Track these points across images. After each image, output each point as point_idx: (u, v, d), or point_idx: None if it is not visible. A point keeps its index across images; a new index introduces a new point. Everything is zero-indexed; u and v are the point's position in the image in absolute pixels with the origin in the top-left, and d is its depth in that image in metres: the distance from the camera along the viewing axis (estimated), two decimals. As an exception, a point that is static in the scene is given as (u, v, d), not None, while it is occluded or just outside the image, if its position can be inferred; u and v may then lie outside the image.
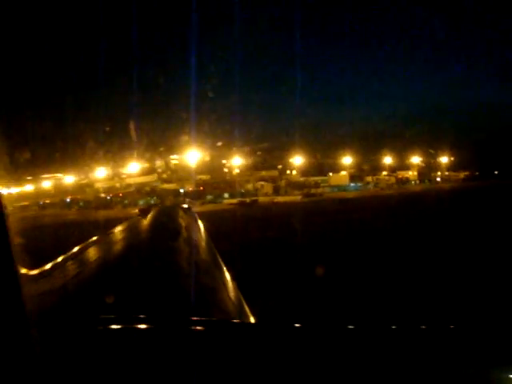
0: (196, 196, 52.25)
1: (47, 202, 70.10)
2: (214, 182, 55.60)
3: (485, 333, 1.40)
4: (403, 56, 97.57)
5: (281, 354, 1.34)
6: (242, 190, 58.15)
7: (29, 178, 72.78)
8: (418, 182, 72.32)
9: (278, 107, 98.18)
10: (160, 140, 56.45)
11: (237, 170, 59.05)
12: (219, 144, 55.15)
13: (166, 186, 58.35)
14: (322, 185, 69.62)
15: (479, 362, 1.20)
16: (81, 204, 60.87)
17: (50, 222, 33.41)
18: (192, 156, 53.76)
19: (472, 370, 1.18)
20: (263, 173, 64.67)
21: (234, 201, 48.23)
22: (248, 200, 48.26)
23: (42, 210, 65.16)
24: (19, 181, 74.97)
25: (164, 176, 59.93)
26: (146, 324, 1.63)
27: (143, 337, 1.52)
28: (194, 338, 1.47)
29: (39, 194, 74.49)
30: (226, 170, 60.03)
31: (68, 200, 65.35)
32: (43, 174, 69.66)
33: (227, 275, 4.02)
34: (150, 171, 62.00)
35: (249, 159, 61.68)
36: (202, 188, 53.70)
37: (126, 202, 58.24)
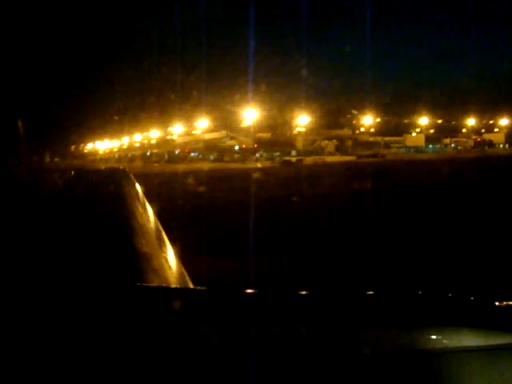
0: (249, 153, 53.28)
1: (135, 154, 76.34)
2: (271, 139, 56.12)
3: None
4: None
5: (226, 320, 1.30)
6: (305, 148, 58.09)
7: (124, 133, 79.33)
8: (506, 145, 66.29)
9: (352, 63, 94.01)
10: (229, 97, 57.71)
11: (298, 129, 58.91)
12: (283, 100, 55.43)
13: (229, 142, 60.07)
14: (396, 146, 66.97)
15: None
16: (155, 158, 65.00)
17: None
18: (252, 113, 54.65)
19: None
20: (332, 131, 63.76)
21: (281, 159, 48.50)
22: (294, 159, 48.25)
23: (130, 162, 71.01)
24: (117, 136, 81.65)
25: (230, 133, 61.52)
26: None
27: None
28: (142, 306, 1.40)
29: (131, 148, 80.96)
30: (292, 127, 60.10)
31: (148, 154, 70.79)
32: (134, 130, 75.48)
33: (167, 241, 3.95)
34: (220, 128, 63.94)
35: (317, 117, 61.16)
36: (256, 145, 54.58)
37: (193, 156, 61.26)
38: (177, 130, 68.71)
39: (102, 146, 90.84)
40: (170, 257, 3.54)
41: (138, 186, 6.64)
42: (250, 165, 45.24)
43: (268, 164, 45.46)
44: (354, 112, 63.63)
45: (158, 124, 69.86)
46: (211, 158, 59.03)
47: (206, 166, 45.79)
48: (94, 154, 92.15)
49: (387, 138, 65.49)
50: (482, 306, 1.39)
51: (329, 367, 1.17)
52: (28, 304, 1.41)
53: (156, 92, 65.36)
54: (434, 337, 1.21)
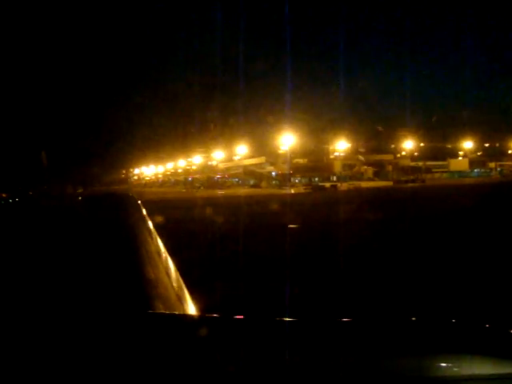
0: (284, 179, 53.38)
1: (178, 179, 78.38)
2: (308, 165, 56.15)
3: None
4: None
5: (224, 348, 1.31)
6: (345, 174, 57.67)
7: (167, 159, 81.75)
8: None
9: (394, 87, 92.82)
10: (268, 123, 58.47)
11: (337, 154, 58.65)
12: (322, 126, 55.65)
13: (268, 168, 60.52)
14: (440, 170, 65.38)
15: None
16: (196, 183, 66.30)
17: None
18: (290, 139, 55.06)
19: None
20: (372, 156, 63.11)
21: (320, 185, 48.35)
22: (328, 185, 48.00)
23: (172, 186, 72.87)
24: (161, 162, 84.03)
25: (269, 159, 62.00)
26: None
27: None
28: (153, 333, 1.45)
29: (174, 173, 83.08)
30: (331, 153, 59.94)
31: (190, 179, 72.49)
32: (178, 156, 77.77)
33: (171, 264, 3.87)
34: (259, 154, 64.58)
35: (357, 143, 60.79)
36: (291, 172, 54.68)
37: (232, 182, 62.12)
38: (218, 156, 70.14)
39: (149, 172, 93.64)
40: (175, 282, 3.45)
41: (144, 212, 6.92)
42: (284, 191, 45.51)
43: (302, 190, 45.51)
44: (396, 136, 62.73)
45: (200, 150, 71.61)
46: (251, 183, 59.68)
47: (242, 191, 46.33)
48: (140, 179, 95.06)
49: (430, 163, 64.09)
50: (495, 334, 1.35)
51: None
52: (37, 329, 1.45)
53: (198, 119, 67.12)
54: (444, 364, 1.20)
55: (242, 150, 65.05)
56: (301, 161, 58.12)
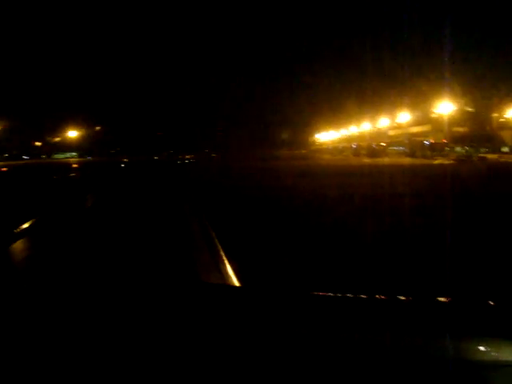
0: (436, 149, 51.70)
1: (346, 146, 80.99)
2: (466, 134, 53.14)
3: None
4: None
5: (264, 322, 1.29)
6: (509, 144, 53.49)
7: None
8: None
9: None
10: (430, 92, 57.22)
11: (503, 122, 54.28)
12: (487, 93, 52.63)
13: (431, 136, 58.91)
14: None
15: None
16: (362, 151, 67.83)
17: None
18: (447, 106, 53.37)
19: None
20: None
21: (462, 157, 46.04)
22: (475, 158, 45.31)
23: (339, 153, 75.85)
24: (336, 128, 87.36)
25: (435, 127, 60.24)
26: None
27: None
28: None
29: (344, 139, 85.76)
30: (495, 121, 55.86)
31: (354, 146, 74.43)
32: (352, 123, 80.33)
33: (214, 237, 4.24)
34: (426, 122, 63.11)
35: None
36: (443, 141, 52.45)
37: (390, 151, 62.41)
38: (386, 123, 70.56)
39: (326, 138, 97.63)
40: (219, 259, 4.33)
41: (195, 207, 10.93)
42: (429, 161, 45.42)
43: (445, 161, 44.50)
44: None
45: (369, 117, 72.89)
46: (407, 152, 59.44)
47: (387, 160, 47.33)
48: (319, 145, 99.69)
49: None
50: None
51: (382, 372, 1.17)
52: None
53: (369, 86, 68.34)
54: (483, 348, 1.16)
55: (406, 118, 64.57)
56: (461, 129, 55.52)
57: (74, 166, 53.06)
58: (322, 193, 16.62)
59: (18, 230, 8.57)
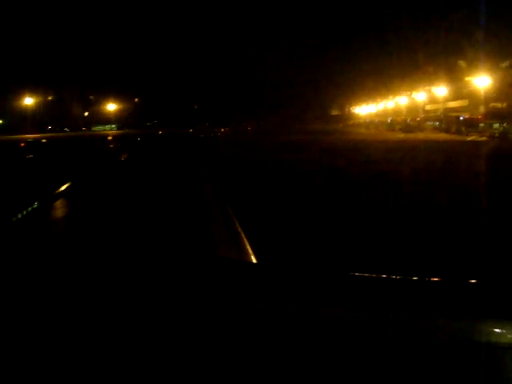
0: (471, 124, 50.19)
1: (375, 120, 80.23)
2: (502, 111, 51.20)
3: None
4: None
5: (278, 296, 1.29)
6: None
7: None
8: None
9: None
10: (468, 65, 55.50)
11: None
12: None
13: (468, 112, 57.32)
14: None
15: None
16: (397, 126, 66.78)
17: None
18: (484, 80, 51.72)
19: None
20: None
21: (497, 134, 44.60)
22: (497, 134, 44.06)
23: (374, 128, 75.07)
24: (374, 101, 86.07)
25: (472, 102, 58.50)
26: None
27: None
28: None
29: (380, 114, 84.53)
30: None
31: (389, 120, 73.46)
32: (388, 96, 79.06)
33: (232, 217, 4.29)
34: (463, 96, 61.37)
35: None
36: (479, 117, 50.75)
37: (425, 125, 61.11)
38: (423, 98, 68.94)
39: (365, 112, 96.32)
40: (237, 236, 4.46)
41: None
42: (463, 137, 44.58)
43: (479, 138, 43.38)
44: None
45: (406, 91, 71.39)
46: (442, 127, 58.20)
47: (422, 136, 46.83)
48: (356, 119, 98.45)
49: None
50: None
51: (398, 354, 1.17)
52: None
53: (404, 60, 66.74)
54: (498, 330, 1.14)
55: (443, 92, 62.86)
56: (499, 105, 53.65)
57: (109, 138, 58.30)
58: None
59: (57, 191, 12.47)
